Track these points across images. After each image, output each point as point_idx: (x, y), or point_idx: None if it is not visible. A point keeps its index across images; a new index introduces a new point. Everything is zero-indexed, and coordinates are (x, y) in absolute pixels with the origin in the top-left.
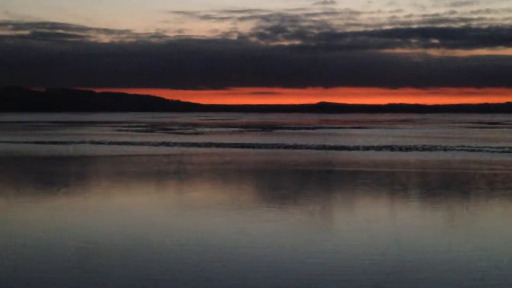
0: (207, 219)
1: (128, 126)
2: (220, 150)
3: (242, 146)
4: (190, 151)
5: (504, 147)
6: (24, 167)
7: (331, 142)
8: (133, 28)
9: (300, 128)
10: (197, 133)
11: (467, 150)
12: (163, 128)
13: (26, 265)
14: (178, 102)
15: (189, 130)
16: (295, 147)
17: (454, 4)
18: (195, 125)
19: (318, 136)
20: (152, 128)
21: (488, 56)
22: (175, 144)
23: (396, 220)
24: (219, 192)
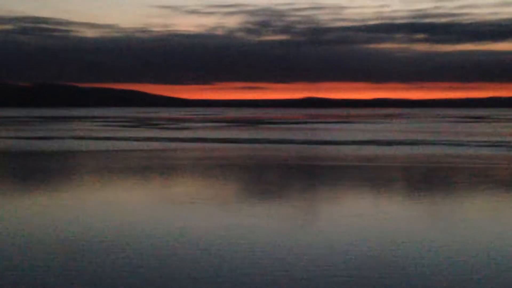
0: (191, 213)
1: (114, 121)
2: (205, 145)
3: (227, 141)
4: (176, 146)
5: (487, 141)
6: (4, 163)
7: (316, 136)
8: (118, 23)
9: (286, 123)
10: (182, 128)
11: (451, 144)
12: (149, 123)
13: None
14: (164, 97)
15: (174, 125)
16: (280, 141)
17: None
18: (181, 120)
19: (304, 130)
20: (137, 123)
21: (473, 51)
22: (160, 139)
23: (381, 213)
24: (204, 186)
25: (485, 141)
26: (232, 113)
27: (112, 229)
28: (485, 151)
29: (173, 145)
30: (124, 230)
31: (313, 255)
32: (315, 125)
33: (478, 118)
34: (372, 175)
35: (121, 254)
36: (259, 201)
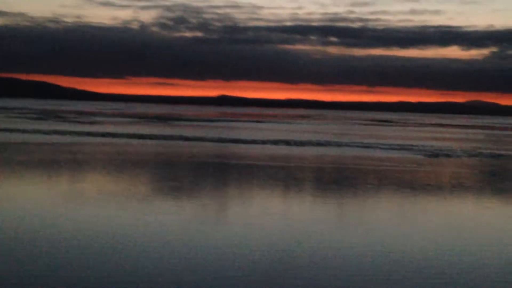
0: (97, 211)
1: (19, 113)
2: (115, 140)
3: (139, 136)
4: (85, 140)
5: (394, 144)
6: None
7: (229, 135)
8: (28, 11)
9: (199, 120)
10: (93, 122)
11: (359, 146)
12: (57, 116)
13: None
14: (75, 90)
15: (85, 118)
16: (193, 139)
17: (353, 4)
18: (92, 114)
19: (217, 128)
20: (45, 115)
21: (383, 56)
22: (69, 132)
23: (288, 213)
24: (112, 183)
25: (392, 144)
26: (144, 108)
27: (8, 226)
28: (393, 154)
29: (82, 139)
30: (19, 227)
31: (220, 255)
32: (229, 124)
33: (386, 122)
34: (283, 175)
35: (12, 252)
36: (169, 199)
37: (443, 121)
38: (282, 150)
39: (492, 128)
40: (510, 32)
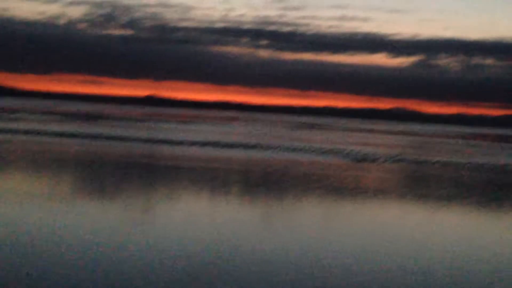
0: (13, 210)
1: None
2: (39, 138)
3: (63, 135)
4: (5, 138)
5: (321, 148)
6: None
7: (157, 135)
8: None
9: (126, 120)
10: (15, 119)
11: (288, 150)
12: None
13: None
14: None
15: (6, 115)
16: (121, 139)
17: (285, 8)
18: (14, 110)
19: (145, 129)
20: None
21: (313, 60)
22: None
23: (215, 215)
24: (31, 183)
25: (320, 148)
26: (71, 106)
27: None
28: (320, 158)
29: (4, 137)
30: None
31: (142, 257)
32: (157, 124)
33: (315, 125)
34: (210, 177)
35: None
36: (93, 200)
37: (369, 127)
38: (210, 152)
39: (415, 134)
40: (435, 41)
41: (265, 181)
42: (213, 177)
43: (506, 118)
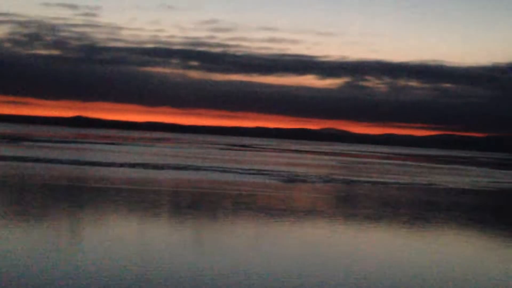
0: None
1: None
2: None
3: None
4: None
5: (251, 169)
6: None
7: (85, 157)
8: None
9: (53, 142)
10: None
11: (218, 171)
12: None
13: None
14: None
15: None
16: (46, 161)
17: (214, 30)
18: None
19: (72, 150)
20: None
21: (243, 82)
22: None
23: (145, 237)
24: None
25: (250, 169)
26: None
27: None
28: (250, 179)
29: None
30: None
31: (70, 280)
32: (85, 145)
33: (245, 147)
34: (139, 199)
35: None
36: (17, 223)
37: (299, 147)
38: (140, 173)
39: (345, 154)
40: (362, 63)
41: (195, 202)
42: (142, 199)
43: (430, 138)
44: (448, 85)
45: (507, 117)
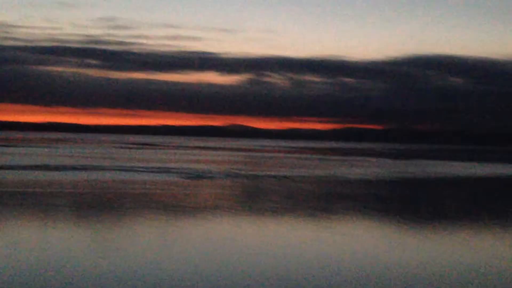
0: None
1: None
2: None
3: None
4: None
5: (155, 167)
6: None
7: None
8: None
9: None
10: None
11: (120, 170)
12: None
13: None
14: None
15: None
16: None
17: (113, 27)
18: None
19: None
20: None
21: (145, 80)
22: None
23: (44, 241)
24: None
25: (154, 167)
26: None
27: None
28: (154, 177)
29: None
30: None
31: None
32: None
33: (148, 145)
34: (41, 201)
35: None
36: None
37: (204, 144)
38: (41, 175)
39: (248, 150)
40: (263, 59)
41: (98, 203)
42: (43, 201)
43: (332, 131)
44: (348, 79)
45: (402, 110)
